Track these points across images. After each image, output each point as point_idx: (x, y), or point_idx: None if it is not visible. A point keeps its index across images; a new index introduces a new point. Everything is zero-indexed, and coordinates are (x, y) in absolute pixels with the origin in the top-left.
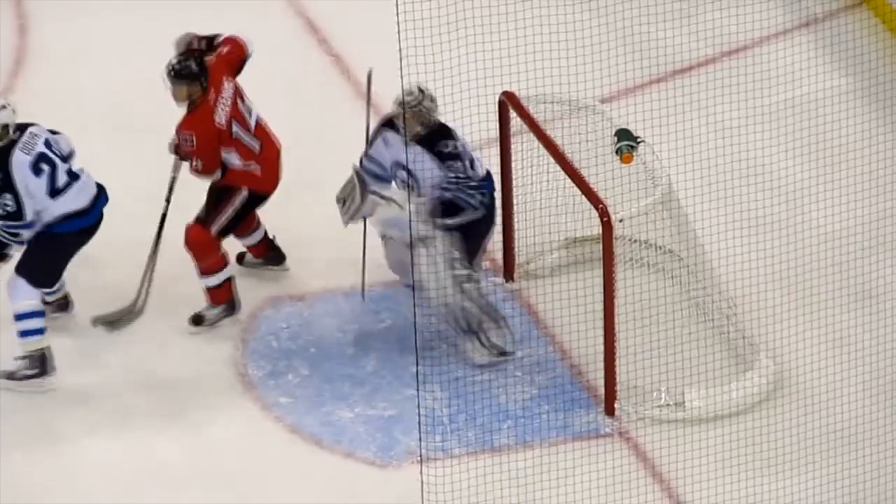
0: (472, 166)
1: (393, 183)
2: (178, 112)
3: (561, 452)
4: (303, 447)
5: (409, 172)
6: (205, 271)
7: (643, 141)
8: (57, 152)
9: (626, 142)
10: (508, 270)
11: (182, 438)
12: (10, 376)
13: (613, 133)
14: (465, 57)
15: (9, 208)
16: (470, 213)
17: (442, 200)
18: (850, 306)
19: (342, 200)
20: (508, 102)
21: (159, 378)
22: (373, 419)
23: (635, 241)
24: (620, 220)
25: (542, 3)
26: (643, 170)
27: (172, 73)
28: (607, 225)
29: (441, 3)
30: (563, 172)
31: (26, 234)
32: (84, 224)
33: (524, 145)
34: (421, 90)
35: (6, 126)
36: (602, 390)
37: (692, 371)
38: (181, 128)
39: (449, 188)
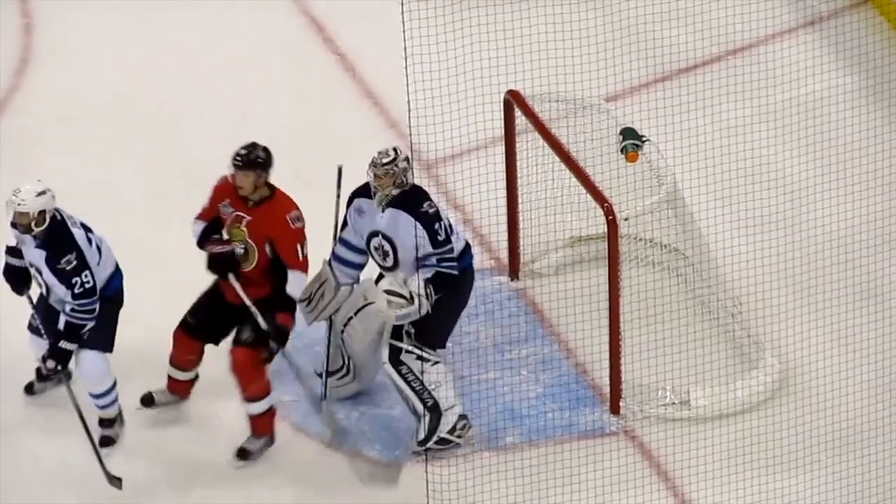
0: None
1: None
2: (181, 112)
3: (566, 451)
4: (308, 445)
5: (386, 239)
6: (251, 397)
7: (648, 139)
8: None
9: (632, 140)
10: (514, 269)
11: (187, 437)
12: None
13: (618, 132)
14: (470, 56)
15: (87, 285)
16: (452, 280)
17: (431, 275)
18: (856, 305)
19: (307, 299)
20: (513, 101)
21: (162, 379)
22: (378, 418)
23: (640, 239)
24: (626, 219)
25: (546, 1)
26: (648, 168)
27: (239, 160)
28: (612, 223)
29: (446, 1)
30: (568, 171)
31: (97, 306)
32: (121, 280)
33: (529, 144)
34: (396, 150)
35: (43, 212)
36: (607, 389)
37: (697, 370)
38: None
39: (430, 261)
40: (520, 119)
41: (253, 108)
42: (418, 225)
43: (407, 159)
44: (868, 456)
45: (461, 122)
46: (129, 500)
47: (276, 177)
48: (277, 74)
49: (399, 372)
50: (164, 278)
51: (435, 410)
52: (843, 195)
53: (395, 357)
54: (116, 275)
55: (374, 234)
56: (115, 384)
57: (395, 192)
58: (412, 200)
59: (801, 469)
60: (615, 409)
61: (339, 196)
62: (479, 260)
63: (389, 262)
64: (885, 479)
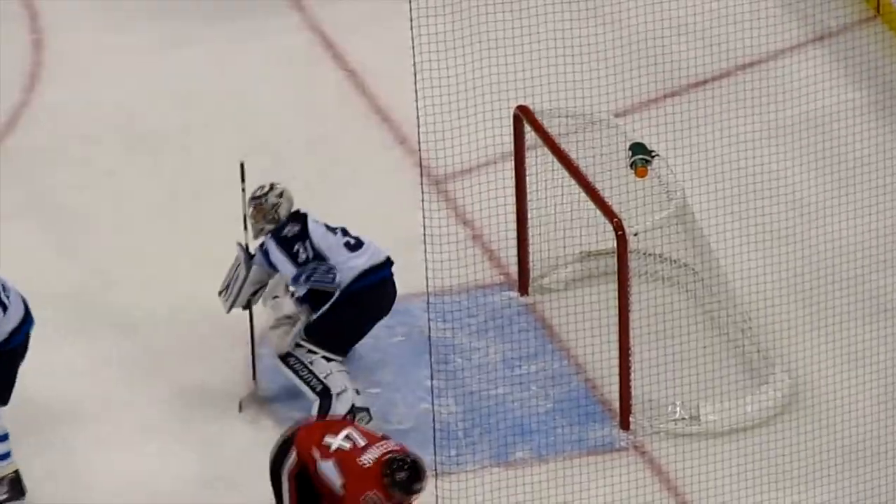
0: (351, 248)
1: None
2: (190, 128)
3: (576, 466)
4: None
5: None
6: None
7: (657, 155)
8: None
9: (641, 155)
10: (523, 284)
11: (195, 452)
12: None
13: (628, 147)
14: (480, 71)
15: None
16: (332, 292)
17: (305, 294)
18: (866, 320)
19: (224, 289)
20: (523, 116)
21: (172, 392)
22: (388, 433)
23: (650, 254)
24: (635, 234)
25: (556, 17)
26: (658, 183)
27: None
28: (622, 238)
29: (456, 17)
30: (577, 186)
31: None
32: (28, 330)
33: (539, 159)
34: (271, 185)
35: None
36: (617, 404)
37: (707, 385)
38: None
39: (302, 280)
40: (529, 134)
41: (262, 123)
42: (277, 248)
43: (281, 194)
44: (879, 471)
45: (471, 137)
46: None
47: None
48: (287, 90)
49: (287, 363)
50: (172, 293)
51: (325, 395)
52: (854, 210)
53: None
54: (23, 327)
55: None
56: (5, 436)
57: (268, 226)
58: (278, 227)
59: (812, 484)
60: (625, 425)
61: (243, 190)
62: (489, 275)
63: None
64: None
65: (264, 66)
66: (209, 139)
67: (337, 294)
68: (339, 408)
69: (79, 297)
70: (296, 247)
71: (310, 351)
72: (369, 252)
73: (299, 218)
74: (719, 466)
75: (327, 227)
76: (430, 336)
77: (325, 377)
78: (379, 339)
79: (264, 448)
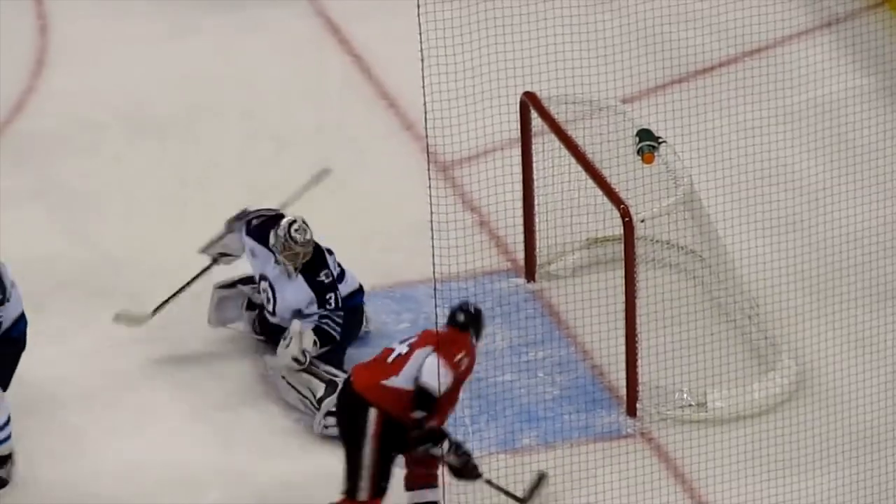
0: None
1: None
2: (196, 114)
3: (583, 453)
4: (324, 448)
5: (271, 288)
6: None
7: (664, 141)
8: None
9: (648, 142)
10: (530, 271)
11: (203, 440)
12: None
13: (635, 133)
14: (487, 58)
15: None
16: (331, 343)
17: (312, 327)
18: (873, 306)
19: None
20: (530, 103)
21: (181, 379)
22: None
23: (657, 241)
24: (642, 221)
25: (563, 3)
26: (665, 170)
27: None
28: (629, 225)
29: (462, 3)
30: (584, 173)
31: None
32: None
33: (545, 146)
34: (308, 230)
35: None
36: (624, 391)
37: (714, 371)
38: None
39: (321, 320)
40: (536, 121)
41: (268, 110)
42: (309, 290)
43: (309, 242)
44: (886, 458)
45: (477, 123)
46: (146, 499)
47: (293, 179)
48: (293, 76)
49: (287, 382)
50: (180, 278)
51: (331, 385)
52: (861, 196)
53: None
54: (22, 319)
55: (263, 277)
56: (8, 420)
57: (292, 266)
58: (310, 265)
59: (819, 471)
60: (632, 412)
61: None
62: (496, 262)
63: (269, 306)
64: None
65: (271, 53)
66: (216, 125)
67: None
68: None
69: (87, 283)
70: (327, 295)
71: (310, 372)
72: (347, 282)
73: (325, 260)
74: (726, 453)
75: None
76: (436, 322)
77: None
78: (385, 325)
79: (273, 434)
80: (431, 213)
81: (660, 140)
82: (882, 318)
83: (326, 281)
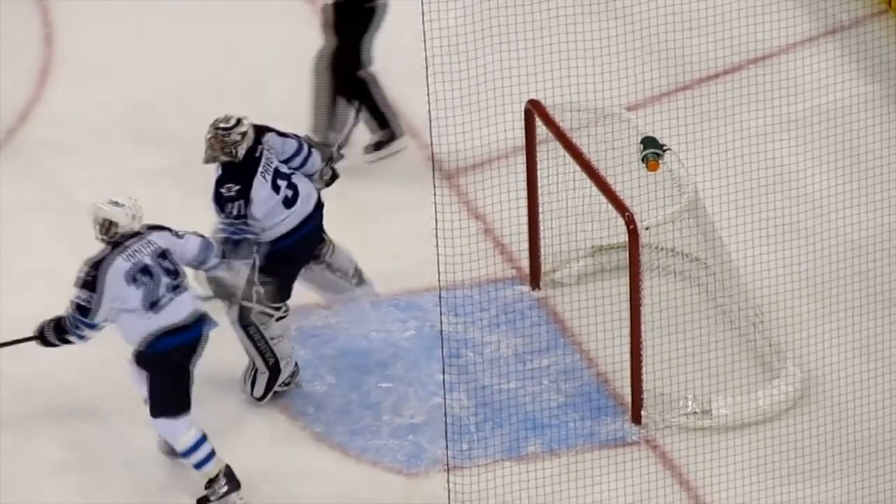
0: (288, 203)
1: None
2: (201, 123)
3: (588, 460)
4: (329, 455)
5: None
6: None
7: (669, 148)
8: (169, 267)
9: (652, 149)
10: (535, 278)
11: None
12: (206, 501)
13: (639, 141)
14: (491, 65)
15: (82, 302)
16: (245, 250)
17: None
18: (878, 314)
19: None
20: (534, 111)
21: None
22: (399, 427)
23: (661, 248)
24: (647, 228)
25: (567, 11)
26: (669, 177)
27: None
28: (633, 233)
29: (467, 11)
30: (589, 180)
31: (87, 332)
32: (183, 341)
33: (550, 153)
34: (239, 121)
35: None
36: (629, 398)
37: (719, 379)
38: None
39: (224, 228)
40: (541, 128)
41: (273, 118)
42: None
43: (245, 133)
44: (891, 465)
45: (482, 131)
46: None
47: None
48: (298, 85)
49: (247, 332)
50: None
51: (275, 369)
52: (865, 204)
53: (244, 318)
54: (180, 332)
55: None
56: (204, 448)
57: (223, 158)
58: (223, 176)
59: (824, 478)
60: (636, 419)
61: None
62: (501, 269)
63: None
64: None
65: (276, 62)
66: None
67: (266, 252)
68: (281, 378)
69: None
70: (228, 206)
71: (263, 313)
72: (301, 201)
73: (252, 168)
74: (731, 460)
75: (276, 175)
76: (441, 330)
77: (275, 344)
78: (390, 333)
79: (276, 440)
80: (436, 220)
81: (664, 147)
82: (887, 326)
83: (226, 194)
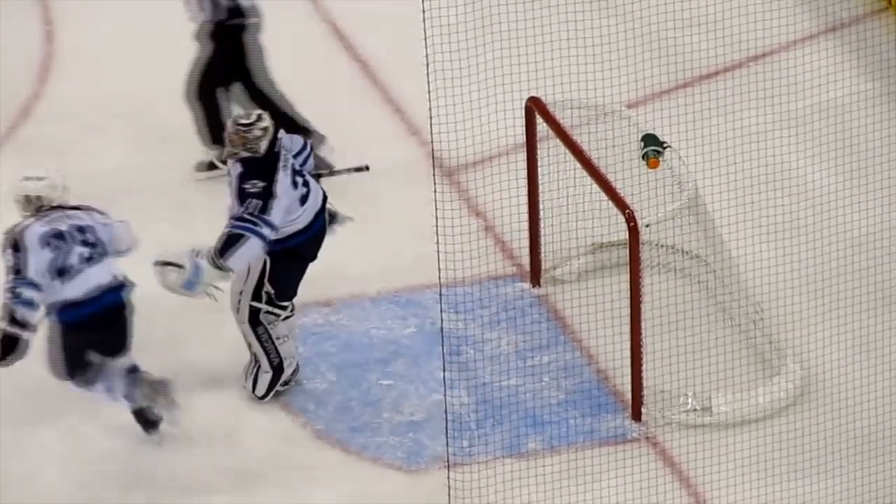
0: (303, 201)
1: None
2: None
3: (588, 457)
4: (330, 452)
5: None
6: None
7: (669, 146)
8: (87, 239)
9: (653, 147)
10: (535, 275)
11: (209, 443)
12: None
13: (640, 138)
14: (492, 63)
15: (12, 265)
16: (252, 247)
17: (229, 233)
18: (878, 311)
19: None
20: (535, 108)
21: (185, 384)
22: (400, 424)
23: (662, 246)
24: (647, 226)
25: (568, 8)
26: (669, 175)
27: None
28: (634, 230)
29: (467, 8)
30: (589, 177)
31: (25, 292)
32: (85, 312)
33: (550, 151)
34: (260, 117)
35: (35, 198)
36: (629, 395)
37: (719, 376)
38: None
39: (238, 224)
40: (541, 126)
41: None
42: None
43: (266, 128)
44: (892, 462)
45: (483, 128)
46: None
47: None
48: (299, 82)
49: (256, 333)
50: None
51: (279, 369)
52: (865, 201)
53: (254, 318)
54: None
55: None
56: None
57: (244, 153)
58: (246, 172)
59: (824, 475)
60: (637, 416)
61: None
62: (501, 266)
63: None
64: None
65: (277, 58)
66: None
67: (279, 249)
68: (284, 377)
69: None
70: (251, 202)
71: (269, 312)
72: (312, 198)
73: (273, 163)
74: (731, 457)
75: (293, 171)
76: (442, 327)
77: (280, 344)
78: (391, 330)
79: (278, 439)
80: (437, 217)
81: (665, 145)
82: (887, 323)
83: (251, 190)
